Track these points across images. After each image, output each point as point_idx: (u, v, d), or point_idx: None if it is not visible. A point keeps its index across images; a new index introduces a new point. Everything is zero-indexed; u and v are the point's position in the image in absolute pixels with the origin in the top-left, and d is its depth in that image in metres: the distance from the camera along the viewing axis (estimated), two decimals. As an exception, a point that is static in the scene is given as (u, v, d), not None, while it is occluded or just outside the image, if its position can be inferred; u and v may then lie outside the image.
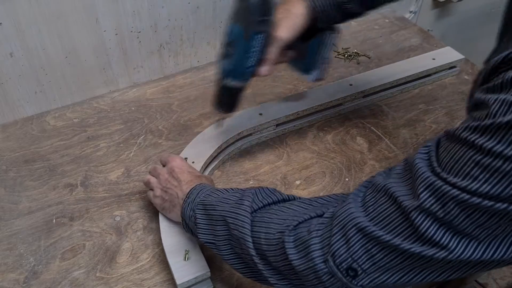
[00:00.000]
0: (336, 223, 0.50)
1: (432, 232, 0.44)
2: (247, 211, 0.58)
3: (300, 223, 0.54)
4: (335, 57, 1.15)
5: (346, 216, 0.50)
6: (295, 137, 0.95)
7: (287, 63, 0.81)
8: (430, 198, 0.44)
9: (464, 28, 1.66)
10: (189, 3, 1.01)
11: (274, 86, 1.06)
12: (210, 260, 0.71)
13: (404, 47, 1.18)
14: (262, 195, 0.61)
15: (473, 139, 0.43)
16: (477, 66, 1.13)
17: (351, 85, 0.99)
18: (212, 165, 0.86)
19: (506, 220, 0.42)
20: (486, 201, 0.41)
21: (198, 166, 0.82)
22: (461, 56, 1.07)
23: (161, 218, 0.75)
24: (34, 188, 0.85)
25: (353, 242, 0.48)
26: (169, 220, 0.74)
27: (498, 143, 0.41)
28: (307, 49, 0.78)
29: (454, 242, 0.44)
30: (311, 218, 0.54)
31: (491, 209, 0.41)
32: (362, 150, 0.92)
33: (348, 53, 1.15)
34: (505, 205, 0.40)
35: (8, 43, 0.87)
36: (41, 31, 0.89)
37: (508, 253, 0.44)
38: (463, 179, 0.43)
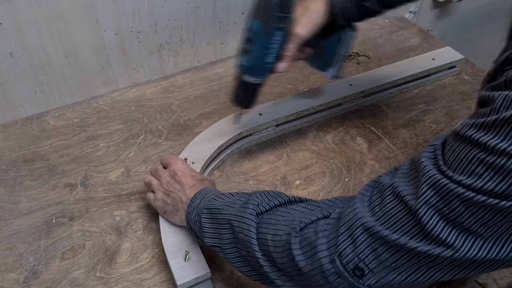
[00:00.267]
0: (342, 223, 0.50)
1: (439, 230, 0.44)
2: (252, 214, 0.58)
3: (307, 224, 0.54)
4: (335, 57, 1.15)
5: (353, 216, 0.50)
6: (295, 137, 0.95)
7: (305, 60, 0.82)
8: (435, 196, 0.44)
9: (464, 28, 1.66)
10: (189, 3, 1.01)
11: (274, 86, 1.06)
12: (210, 261, 0.71)
13: (404, 47, 1.18)
14: (267, 198, 0.61)
15: (477, 137, 0.43)
16: (477, 66, 1.13)
17: (351, 85, 0.99)
18: (212, 165, 0.86)
19: (511, 218, 0.42)
20: (491, 199, 0.41)
21: (198, 166, 0.82)
22: (461, 56, 1.07)
23: (161, 218, 0.75)
24: (34, 188, 0.85)
25: (359, 242, 0.49)
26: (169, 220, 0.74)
27: (502, 140, 0.41)
28: (325, 47, 0.79)
29: (460, 240, 0.44)
30: (318, 219, 0.54)
31: (496, 207, 0.41)
32: (362, 150, 0.92)
33: (348, 53, 1.15)
34: (510, 203, 0.40)
35: (8, 43, 0.87)
36: (41, 31, 0.89)
37: None
38: (468, 177, 0.43)
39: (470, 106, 1.02)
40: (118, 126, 0.97)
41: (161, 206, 0.73)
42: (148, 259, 0.74)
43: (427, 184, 0.45)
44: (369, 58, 1.15)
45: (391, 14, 1.29)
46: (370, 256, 0.48)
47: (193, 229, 0.68)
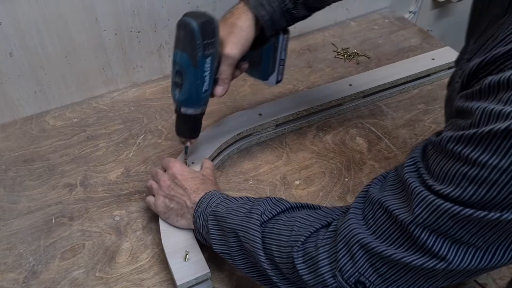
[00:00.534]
0: (340, 239, 0.51)
1: (431, 243, 0.45)
2: (257, 225, 0.59)
3: (307, 237, 0.55)
4: (335, 57, 1.15)
5: (349, 232, 0.51)
6: (294, 137, 0.95)
7: (245, 72, 0.79)
8: (424, 212, 0.45)
9: (464, 28, 1.66)
10: (188, 3, 1.01)
11: (274, 86, 1.06)
12: (210, 261, 0.71)
13: (404, 47, 1.18)
14: (270, 206, 0.62)
15: (459, 150, 0.43)
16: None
17: (350, 85, 0.99)
18: (213, 165, 0.86)
19: (499, 228, 0.42)
20: (478, 212, 0.41)
21: (198, 166, 0.82)
22: (460, 56, 1.07)
23: (160, 218, 0.75)
24: (34, 188, 0.85)
25: (357, 258, 0.50)
26: (169, 220, 0.74)
27: (483, 153, 0.41)
28: (261, 57, 0.76)
29: (452, 251, 0.45)
30: (317, 230, 0.55)
31: (484, 219, 0.42)
32: (361, 150, 0.92)
33: (348, 53, 1.15)
34: (498, 214, 0.41)
35: (7, 43, 0.87)
36: (40, 30, 0.89)
37: (505, 258, 0.45)
38: (454, 190, 0.43)
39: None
40: (117, 126, 0.97)
41: (163, 210, 0.73)
42: (147, 259, 0.74)
43: (415, 201, 0.46)
44: (368, 58, 1.15)
45: (390, 14, 1.29)
46: (369, 270, 0.50)
47: (201, 234, 0.68)
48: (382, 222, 0.49)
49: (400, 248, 0.47)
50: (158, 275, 0.72)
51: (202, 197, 0.69)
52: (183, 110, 0.72)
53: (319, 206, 0.62)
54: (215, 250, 0.65)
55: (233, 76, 0.74)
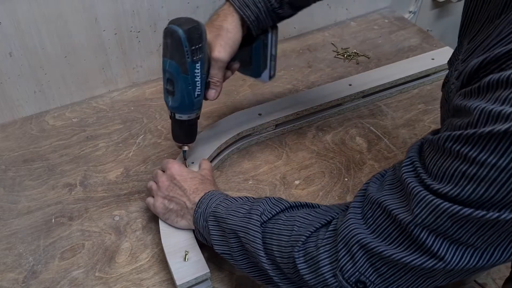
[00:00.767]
0: (340, 239, 0.52)
1: (430, 243, 0.45)
2: (257, 225, 0.59)
3: (307, 237, 0.55)
4: (335, 57, 1.15)
5: (348, 232, 0.51)
6: (294, 137, 0.95)
7: (238, 71, 0.79)
8: (423, 212, 0.45)
9: (463, 28, 1.66)
10: (188, 3, 1.01)
11: (274, 86, 1.06)
12: (210, 261, 0.71)
13: (404, 47, 1.18)
14: (269, 206, 0.62)
15: (457, 148, 0.43)
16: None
17: (350, 85, 0.99)
18: (212, 165, 0.86)
19: (498, 228, 0.43)
20: (477, 212, 0.42)
21: (197, 166, 0.81)
22: (460, 56, 1.07)
23: (160, 218, 0.75)
24: (33, 188, 0.85)
25: (357, 258, 0.50)
26: (169, 220, 0.74)
27: (481, 151, 0.41)
28: (250, 55, 0.75)
29: (450, 251, 0.45)
30: (317, 229, 0.56)
31: (482, 219, 0.42)
32: (361, 150, 0.92)
33: (348, 53, 1.15)
34: (496, 214, 0.41)
35: (7, 43, 0.87)
36: (40, 30, 0.89)
37: (503, 257, 0.45)
38: (453, 188, 0.43)
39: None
40: (117, 126, 0.97)
41: (161, 212, 0.73)
42: (147, 259, 0.74)
43: (414, 201, 0.46)
44: (368, 58, 1.15)
45: (390, 14, 1.29)
46: (369, 269, 0.50)
47: (202, 234, 0.68)
48: (381, 222, 0.49)
49: (399, 248, 0.48)
50: (157, 275, 0.72)
51: (201, 198, 0.69)
52: (177, 116, 0.72)
53: (317, 205, 0.62)
54: (216, 250, 0.65)
55: (224, 78, 0.74)
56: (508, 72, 0.40)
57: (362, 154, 0.91)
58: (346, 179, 0.86)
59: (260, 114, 0.92)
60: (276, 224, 0.59)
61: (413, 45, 1.19)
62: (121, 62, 1.02)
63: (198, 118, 0.74)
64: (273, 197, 0.64)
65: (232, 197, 0.68)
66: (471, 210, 0.42)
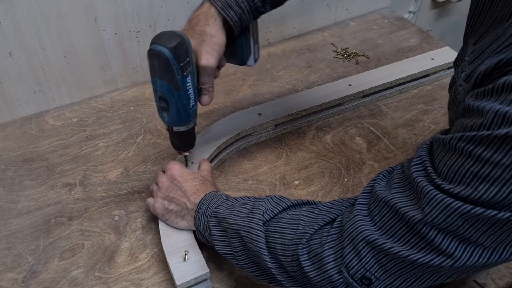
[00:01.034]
0: (346, 235, 0.52)
1: (439, 241, 0.45)
2: (259, 224, 0.59)
3: (312, 235, 0.55)
4: (334, 57, 1.15)
5: (355, 229, 0.51)
6: (294, 137, 0.95)
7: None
8: (434, 211, 0.45)
9: (463, 29, 1.66)
10: (188, 3, 1.00)
11: (273, 86, 1.06)
12: (209, 260, 0.71)
13: (403, 47, 1.18)
14: (271, 205, 0.62)
15: (470, 149, 0.43)
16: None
17: (350, 85, 0.99)
18: (211, 165, 0.86)
19: (509, 227, 0.42)
20: (489, 211, 0.42)
21: (197, 166, 0.81)
22: (460, 57, 1.07)
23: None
24: (33, 188, 0.85)
25: (363, 254, 0.50)
26: (168, 220, 0.74)
27: (495, 152, 0.41)
28: (234, 48, 0.73)
29: (460, 250, 0.45)
30: (321, 227, 0.56)
31: (493, 218, 0.42)
32: (361, 150, 0.92)
33: (347, 53, 1.15)
34: (508, 214, 0.41)
35: (7, 43, 0.87)
36: (40, 30, 0.89)
37: None
38: (464, 188, 0.43)
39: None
40: (117, 126, 0.97)
41: (161, 212, 0.73)
42: (147, 259, 0.74)
43: (425, 201, 0.46)
44: (368, 58, 1.15)
45: (390, 14, 1.29)
46: (375, 266, 0.50)
47: (203, 235, 0.68)
48: (388, 219, 0.49)
49: (407, 245, 0.47)
50: (157, 275, 0.72)
51: (202, 198, 0.69)
52: (175, 129, 0.72)
53: (319, 202, 0.62)
54: (218, 251, 0.65)
55: (214, 79, 0.73)
56: None
57: (361, 154, 0.91)
58: (345, 179, 0.86)
59: (259, 114, 0.92)
60: (279, 223, 0.59)
61: (413, 45, 1.19)
62: (120, 62, 1.02)
63: (195, 124, 0.74)
64: (275, 196, 0.64)
65: (233, 197, 0.68)
66: (483, 209, 0.42)
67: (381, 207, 0.51)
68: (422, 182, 0.47)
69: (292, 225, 0.58)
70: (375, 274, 0.50)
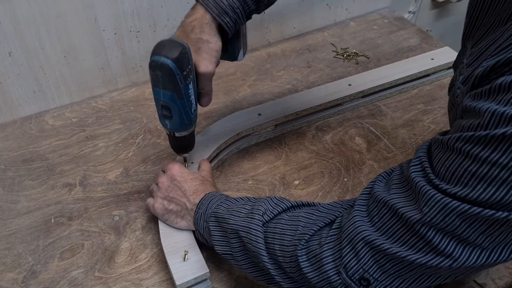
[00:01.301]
0: (344, 236, 0.52)
1: (437, 241, 0.45)
2: (259, 225, 0.59)
3: (311, 236, 0.55)
4: (334, 57, 1.15)
5: (353, 230, 0.51)
6: (293, 137, 0.95)
7: None
8: (432, 211, 0.45)
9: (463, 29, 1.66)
10: (188, 2, 1.01)
11: (273, 86, 1.06)
12: (209, 260, 0.71)
13: (403, 47, 1.18)
14: (271, 206, 0.62)
15: (467, 149, 0.43)
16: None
17: (350, 85, 0.99)
18: (211, 165, 0.86)
19: (507, 228, 0.43)
20: (486, 211, 0.42)
21: (197, 166, 0.81)
22: (459, 57, 1.07)
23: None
24: (33, 188, 0.85)
25: (362, 255, 0.50)
26: (168, 220, 0.74)
27: (492, 152, 0.41)
28: (227, 46, 0.73)
29: (458, 250, 0.45)
30: (320, 228, 0.56)
31: (492, 218, 0.42)
32: (360, 150, 0.92)
33: (347, 53, 1.15)
34: (505, 213, 0.41)
35: (7, 42, 0.87)
36: (40, 30, 0.89)
37: (511, 256, 0.45)
38: (462, 188, 0.43)
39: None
40: (117, 126, 0.97)
41: (161, 213, 0.73)
42: (147, 259, 0.74)
43: (423, 200, 0.46)
44: (368, 58, 1.15)
45: (390, 14, 1.29)
46: (373, 266, 0.50)
47: (203, 235, 0.68)
48: (387, 220, 0.49)
49: (405, 246, 0.48)
50: (157, 275, 0.72)
51: (202, 199, 0.69)
52: (177, 134, 0.72)
53: (319, 203, 0.62)
54: (217, 251, 0.65)
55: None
56: None
57: (361, 154, 0.91)
58: (345, 179, 0.86)
59: (259, 114, 0.92)
60: (278, 224, 0.59)
61: (412, 45, 1.19)
62: (120, 62, 1.02)
63: (195, 127, 0.75)
64: (275, 197, 0.64)
65: (233, 198, 0.68)
66: (480, 209, 0.42)
67: (380, 207, 0.51)
68: (421, 182, 0.47)
69: (292, 226, 0.58)
70: (374, 275, 0.50)
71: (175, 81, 0.63)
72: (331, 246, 0.53)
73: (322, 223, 0.56)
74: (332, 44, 1.19)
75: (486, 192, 0.42)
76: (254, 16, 0.72)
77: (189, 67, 0.65)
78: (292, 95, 0.99)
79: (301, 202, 0.63)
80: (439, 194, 0.45)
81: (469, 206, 0.42)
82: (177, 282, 0.65)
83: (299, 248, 0.55)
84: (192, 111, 0.69)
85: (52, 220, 0.80)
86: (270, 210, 0.61)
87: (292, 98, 0.97)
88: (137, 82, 1.07)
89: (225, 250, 0.64)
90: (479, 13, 0.54)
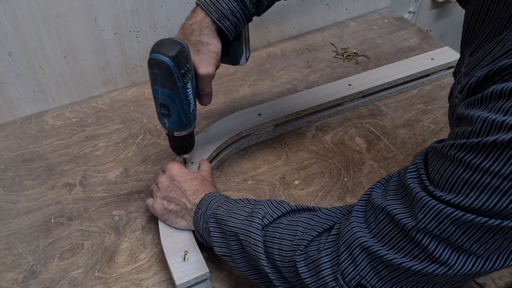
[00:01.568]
0: (342, 242, 0.52)
1: (432, 248, 0.45)
2: (258, 228, 0.59)
3: (310, 241, 0.55)
4: (334, 57, 1.15)
5: (351, 236, 0.51)
6: (293, 137, 0.95)
7: None
8: (426, 218, 0.45)
9: (463, 29, 1.66)
10: (188, 2, 1.01)
11: (273, 86, 1.06)
12: (209, 261, 0.71)
13: (403, 47, 1.18)
14: (271, 209, 0.62)
15: (460, 156, 0.44)
16: (476, 67, 1.13)
17: (350, 85, 0.99)
18: (211, 165, 0.86)
19: (501, 235, 0.43)
20: (479, 218, 0.42)
21: (197, 166, 0.81)
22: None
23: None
24: (33, 188, 0.85)
25: (359, 261, 0.50)
26: (168, 220, 0.74)
27: (484, 159, 0.41)
28: (228, 50, 0.74)
29: (453, 258, 0.45)
30: (319, 234, 0.56)
31: (485, 225, 0.42)
32: (360, 150, 0.92)
33: (347, 53, 1.15)
34: (498, 221, 0.41)
35: (7, 42, 0.87)
36: (40, 30, 0.89)
37: (507, 263, 0.46)
38: (455, 196, 0.44)
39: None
40: (117, 126, 0.97)
41: (160, 213, 0.73)
42: (147, 259, 0.74)
43: (417, 207, 0.46)
44: (368, 58, 1.15)
45: (390, 14, 1.29)
46: (370, 273, 0.50)
47: (202, 236, 0.68)
48: (383, 226, 0.50)
49: (401, 253, 0.48)
50: (157, 275, 0.72)
51: (202, 199, 0.69)
52: (176, 134, 0.72)
53: (319, 208, 0.62)
54: (216, 252, 0.66)
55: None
56: (511, 83, 0.41)
57: (361, 154, 0.91)
58: (345, 179, 0.86)
59: (259, 114, 0.92)
60: (277, 228, 0.59)
61: (412, 45, 1.19)
62: (120, 62, 1.02)
63: (194, 127, 0.75)
64: (275, 200, 0.64)
65: (233, 199, 0.68)
66: (474, 216, 0.42)
67: (377, 214, 0.51)
68: (416, 188, 0.47)
69: (291, 231, 0.58)
70: (371, 282, 0.50)
71: (173, 79, 0.64)
72: (329, 252, 0.53)
73: (321, 228, 0.56)
74: (332, 44, 1.19)
75: (479, 200, 0.42)
76: (254, 17, 0.72)
77: (188, 66, 0.65)
78: (292, 95, 0.99)
79: (301, 206, 0.63)
80: (433, 200, 0.45)
81: (462, 213, 0.43)
82: (177, 282, 0.66)
83: (298, 254, 0.55)
84: (191, 111, 0.69)
85: (52, 220, 0.80)
86: (270, 213, 0.61)
87: (292, 98, 0.97)
88: (137, 82, 1.07)
89: (224, 252, 0.65)
90: (476, 22, 0.54)
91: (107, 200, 0.83)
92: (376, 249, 0.49)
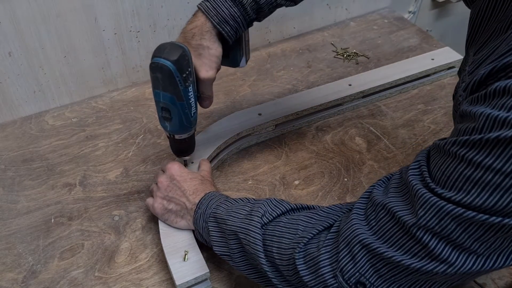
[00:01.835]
0: (342, 239, 0.52)
1: (433, 245, 0.45)
2: (257, 227, 0.59)
3: (309, 239, 0.55)
4: (334, 57, 1.15)
5: (351, 233, 0.51)
6: (294, 137, 0.95)
7: None
8: (427, 214, 0.45)
9: (463, 29, 1.65)
10: (188, 2, 1.01)
11: (273, 86, 1.06)
12: (209, 261, 0.71)
13: (403, 48, 1.18)
14: (271, 208, 0.62)
15: (462, 153, 0.44)
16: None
17: (350, 85, 0.99)
18: (211, 165, 0.86)
19: (502, 233, 0.43)
20: (480, 215, 0.42)
21: (197, 166, 0.81)
22: (460, 57, 1.07)
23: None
24: (33, 188, 0.85)
25: (358, 258, 0.50)
26: (168, 220, 0.74)
27: (486, 156, 0.41)
28: (228, 52, 0.74)
29: (453, 255, 0.45)
30: (319, 232, 0.56)
31: (486, 223, 0.42)
32: (360, 150, 0.92)
33: (347, 53, 1.15)
34: (500, 218, 0.41)
35: (7, 42, 0.87)
36: (40, 30, 0.89)
37: (507, 262, 0.45)
38: (457, 193, 0.43)
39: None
40: (117, 126, 0.97)
41: (160, 212, 0.73)
42: (147, 259, 0.74)
43: (418, 204, 0.46)
44: (368, 58, 1.15)
45: (390, 14, 1.29)
46: (370, 270, 0.50)
47: (202, 235, 0.68)
48: (384, 224, 0.49)
49: (401, 250, 0.48)
50: (157, 275, 0.72)
51: (201, 198, 0.69)
52: (177, 137, 0.73)
53: (318, 207, 0.62)
54: (216, 251, 0.65)
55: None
56: None
57: (361, 154, 0.91)
58: (345, 179, 0.86)
59: (259, 114, 0.92)
60: (277, 227, 0.59)
61: (412, 45, 1.19)
62: (120, 62, 1.02)
63: (195, 130, 0.75)
64: (274, 199, 0.64)
65: (233, 198, 0.68)
66: (475, 213, 0.42)
67: (378, 211, 0.51)
68: (417, 185, 0.47)
69: (290, 229, 0.58)
70: (370, 279, 0.50)
71: (174, 83, 0.64)
72: (329, 250, 0.53)
73: (321, 226, 0.56)
74: (332, 44, 1.19)
75: (480, 197, 0.42)
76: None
77: (189, 70, 0.65)
78: (292, 95, 0.99)
79: (301, 205, 0.63)
80: (435, 197, 0.45)
81: (463, 210, 0.43)
82: (177, 282, 0.66)
83: (297, 251, 0.55)
84: (192, 114, 0.70)
85: (52, 220, 0.80)
86: (269, 212, 0.61)
87: (292, 98, 0.97)
88: (137, 82, 1.07)
89: (223, 251, 0.64)
90: (481, 20, 0.54)
91: (107, 200, 0.83)
92: (376, 246, 0.49)
